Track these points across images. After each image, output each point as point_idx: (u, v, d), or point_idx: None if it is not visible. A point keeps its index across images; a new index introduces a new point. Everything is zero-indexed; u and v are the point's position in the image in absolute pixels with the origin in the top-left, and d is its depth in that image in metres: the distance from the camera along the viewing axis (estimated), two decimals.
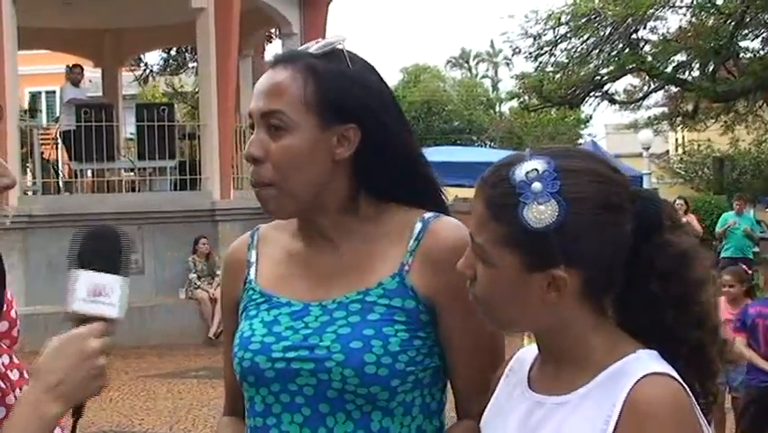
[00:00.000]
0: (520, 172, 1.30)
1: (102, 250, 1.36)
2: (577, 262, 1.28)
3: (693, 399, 1.26)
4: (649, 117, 25.07)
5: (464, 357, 1.54)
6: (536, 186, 1.28)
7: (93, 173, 13.04)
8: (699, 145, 26.77)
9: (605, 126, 37.92)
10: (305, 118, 1.50)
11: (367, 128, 1.52)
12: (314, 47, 1.55)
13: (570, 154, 1.34)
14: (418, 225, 1.55)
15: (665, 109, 24.45)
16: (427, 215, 1.57)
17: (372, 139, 1.53)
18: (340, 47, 1.55)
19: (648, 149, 24.65)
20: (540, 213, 1.26)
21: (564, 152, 1.35)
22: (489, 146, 31.74)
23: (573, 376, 1.31)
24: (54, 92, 22.10)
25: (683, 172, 27.48)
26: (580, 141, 31.47)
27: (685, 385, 1.25)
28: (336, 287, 1.54)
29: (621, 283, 1.33)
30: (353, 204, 1.57)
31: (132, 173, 13.47)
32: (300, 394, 1.49)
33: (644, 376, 1.23)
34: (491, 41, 37.79)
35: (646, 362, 1.26)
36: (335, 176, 1.53)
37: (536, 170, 1.29)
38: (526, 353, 1.46)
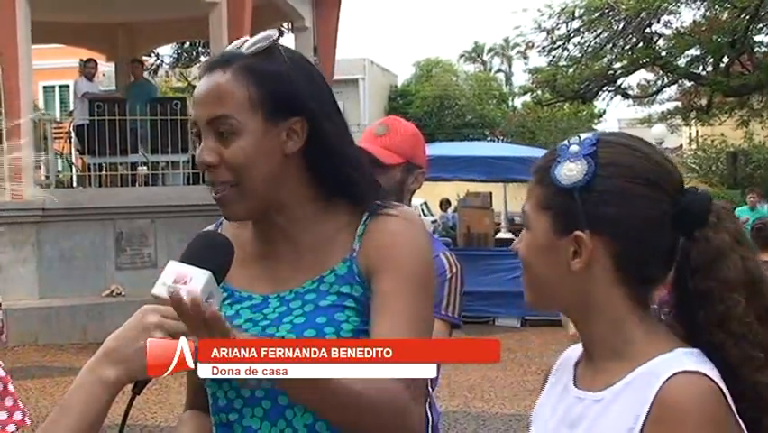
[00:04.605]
0: (567, 141, 1.36)
1: (201, 250, 1.43)
2: (601, 228, 1.30)
3: (728, 399, 1.23)
4: (662, 112, 24.97)
5: (390, 323, 1.49)
6: (573, 148, 1.33)
7: (106, 167, 13.09)
8: (712, 140, 26.66)
9: (618, 121, 37.80)
10: (252, 119, 1.51)
11: (312, 119, 1.55)
12: (245, 46, 1.55)
13: (620, 134, 1.40)
14: (366, 213, 1.59)
15: (679, 104, 24.35)
16: (376, 204, 1.60)
17: (318, 129, 1.55)
18: (272, 43, 1.56)
19: (662, 143, 24.54)
20: (569, 170, 1.31)
21: (617, 132, 1.42)
22: (502, 141, 31.65)
23: (611, 372, 1.31)
24: (68, 86, 22.16)
25: (697, 167, 27.38)
26: None
27: (721, 385, 1.23)
28: (294, 279, 1.57)
29: (666, 278, 1.33)
30: (308, 199, 1.60)
31: (145, 167, 13.50)
32: (260, 387, 1.51)
33: (675, 375, 1.22)
34: (507, 38, 37.65)
35: (680, 360, 1.25)
36: (289, 171, 1.56)
37: (579, 137, 1.35)
38: (573, 351, 1.46)
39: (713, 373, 1.23)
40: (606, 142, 1.34)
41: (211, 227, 1.71)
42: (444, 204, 20.16)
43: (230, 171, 1.52)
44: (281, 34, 17.68)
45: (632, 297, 1.33)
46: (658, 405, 1.21)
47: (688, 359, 1.25)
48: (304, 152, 1.56)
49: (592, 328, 1.35)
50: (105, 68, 17.52)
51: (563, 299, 1.37)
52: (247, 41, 1.57)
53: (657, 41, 20.14)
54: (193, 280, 1.34)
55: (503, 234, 15.66)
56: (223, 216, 1.60)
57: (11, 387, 1.95)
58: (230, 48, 1.58)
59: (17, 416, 1.95)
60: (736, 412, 1.24)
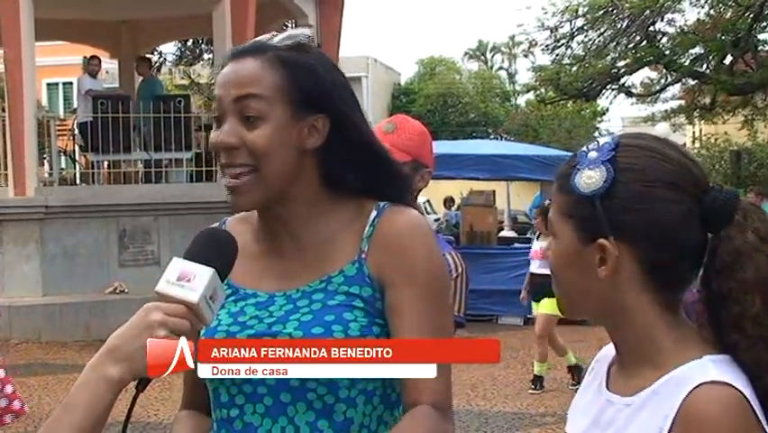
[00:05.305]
0: (586, 147, 1.35)
1: (205, 247, 1.42)
2: (625, 234, 1.29)
3: (754, 408, 1.20)
4: (666, 110, 24.92)
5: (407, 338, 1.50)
6: (592, 154, 1.32)
7: (109, 164, 13.09)
8: (716, 139, 26.61)
9: (622, 119, 37.73)
10: (278, 107, 1.52)
11: (334, 118, 1.56)
12: (276, 39, 1.57)
13: (639, 136, 1.38)
14: (373, 213, 1.59)
15: (682, 102, 24.30)
16: (382, 203, 1.60)
17: (339, 129, 1.56)
18: (304, 40, 1.58)
19: None
20: (588, 177, 1.30)
21: (636, 134, 1.39)
22: (505, 139, 31.63)
23: (641, 377, 1.30)
24: (71, 83, 22.17)
25: None
26: (597, 134, 31.34)
27: (747, 393, 1.20)
28: (300, 277, 1.57)
29: (696, 277, 1.31)
30: (315, 197, 1.60)
31: (149, 165, 13.51)
32: (262, 384, 1.51)
33: (700, 385, 1.20)
34: (513, 36, 37.62)
35: (707, 369, 1.23)
36: (303, 166, 1.56)
37: (598, 142, 1.35)
38: (609, 349, 1.45)
39: (739, 382, 1.21)
40: (624, 146, 1.32)
41: (215, 226, 1.71)
42: (448, 202, 20.16)
43: (251, 156, 1.52)
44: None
45: (660, 302, 1.31)
46: (682, 416, 1.20)
47: (714, 367, 1.23)
48: (320, 151, 1.57)
49: (622, 335, 1.35)
50: (109, 65, 17.50)
51: (592, 306, 1.36)
52: (275, 35, 1.58)
53: (661, 39, 20.08)
54: (197, 278, 1.34)
55: (506, 233, 15.65)
56: (231, 204, 1.59)
57: (8, 388, 1.97)
58: (262, 39, 1.59)
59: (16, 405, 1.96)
60: (765, 419, 1.21)
